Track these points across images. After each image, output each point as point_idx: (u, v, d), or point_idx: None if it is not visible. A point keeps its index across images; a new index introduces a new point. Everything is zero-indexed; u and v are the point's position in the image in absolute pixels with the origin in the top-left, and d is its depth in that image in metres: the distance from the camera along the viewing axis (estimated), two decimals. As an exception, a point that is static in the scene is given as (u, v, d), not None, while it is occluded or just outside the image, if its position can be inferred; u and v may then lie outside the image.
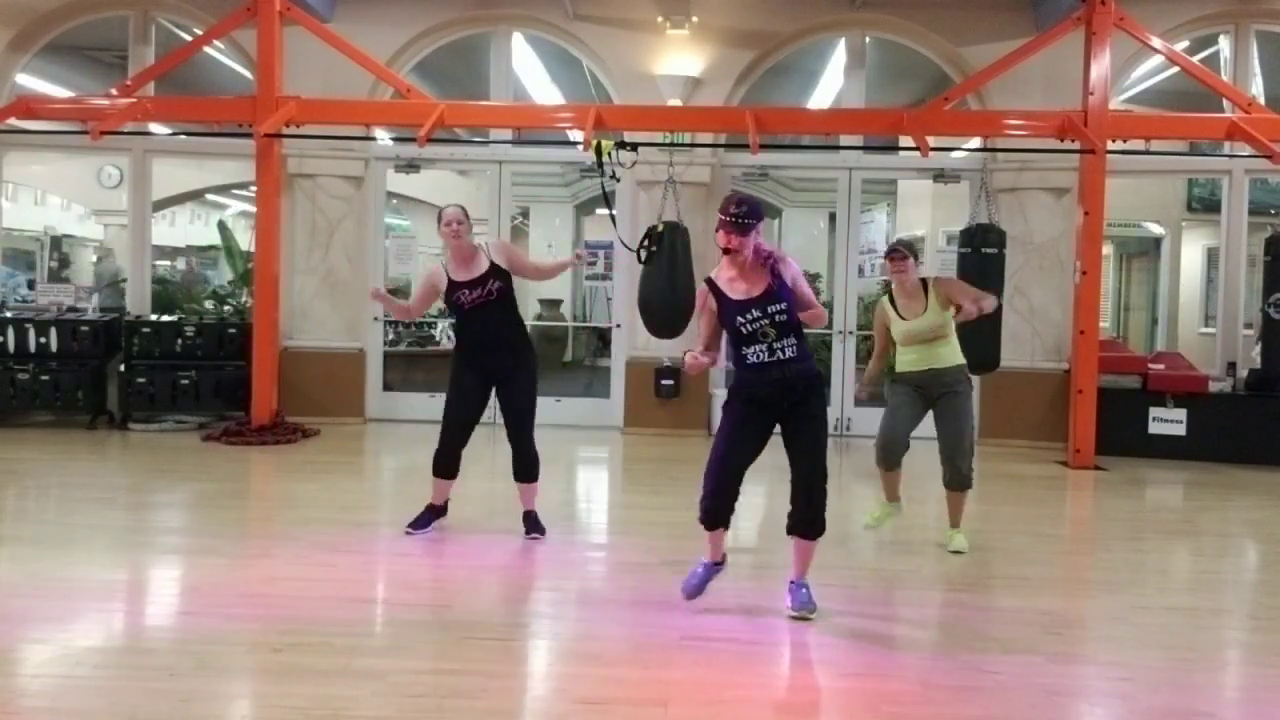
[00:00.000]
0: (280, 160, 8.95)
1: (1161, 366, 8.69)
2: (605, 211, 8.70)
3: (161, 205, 14.18)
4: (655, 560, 4.90)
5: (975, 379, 8.96)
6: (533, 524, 5.36)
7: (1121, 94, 9.15)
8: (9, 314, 9.22)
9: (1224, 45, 9.13)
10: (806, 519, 4.14)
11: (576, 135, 8.36)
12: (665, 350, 9.00)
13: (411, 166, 9.65)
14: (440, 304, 5.43)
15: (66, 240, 18.25)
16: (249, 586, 4.50)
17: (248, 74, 9.26)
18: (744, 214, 4.02)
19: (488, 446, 5.54)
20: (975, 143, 9.65)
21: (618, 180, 8.14)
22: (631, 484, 7.66)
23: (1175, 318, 12.71)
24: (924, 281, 5.23)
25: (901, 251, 5.21)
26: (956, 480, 5.21)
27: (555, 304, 15.93)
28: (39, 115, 8.86)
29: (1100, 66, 8.13)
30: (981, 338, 7.75)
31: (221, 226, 12.33)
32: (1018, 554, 5.43)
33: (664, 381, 9.19)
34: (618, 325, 9.69)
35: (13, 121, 8.84)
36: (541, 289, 15.74)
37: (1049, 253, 9.01)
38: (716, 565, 4.35)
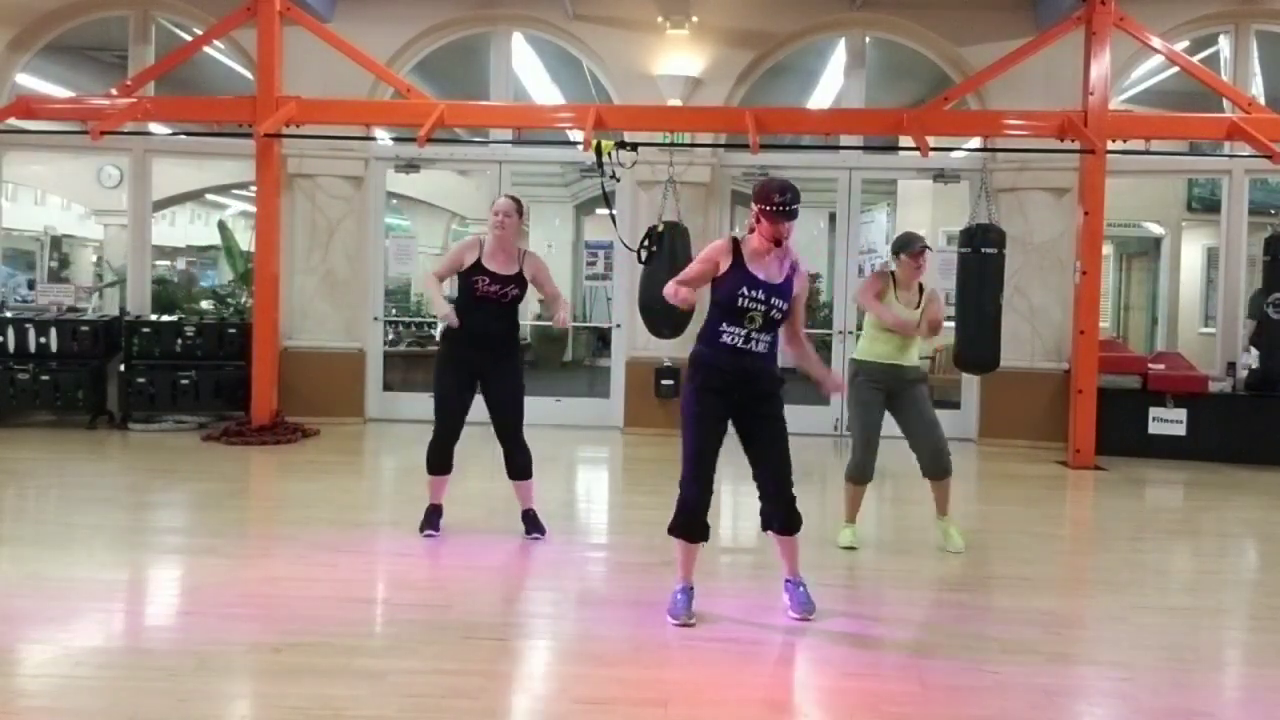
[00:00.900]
0: (280, 160, 8.95)
1: (1161, 366, 8.69)
2: (605, 211, 8.70)
3: (161, 205, 14.18)
4: (655, 560, 4.90)
5: (973, 380, 9.08)
6: (532, 523, 5.36)
7: (1121, 94, 9.15)
8: (9, 314, 9.23)
9: (1224, 45, 9.13)
10: (782, 514, 4.11)
11: (576, 135, 8.36)
12: (665, 350, 9.00)
13: (411, 166, 9.65)
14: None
15: (66, 240, 18.25)
16: (249, 586, 4.50)
17: (248, 74, 9.26)
18: (790, 200, 3.95)
19: (485, 446, 5.53)
20: (975, 143, 9.65)
21: (618, 180, 8.15)
22: (631, 484, 7.66)
23: (1175, 318, 12.71)
24: (920, 285, 5.29)
25: (928, 246, 5.27)
26: (939, 467, 5.20)
27: (555, 304, 15.91)
28: (39, 115, 8.87)
29: (1100, 66, 8.13)
30: (981, 338, 7.77)
31: (221, 226, 12.36)
32: (1018, 554, 5.43)
33: (664, 381, 9.18)
34: (618, 325, 9.69)
35: (13, 121, 8.85)
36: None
37: (1049, 253, 9.00)
38: (691, 589, 4.16)
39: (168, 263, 17.69)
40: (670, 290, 4.05)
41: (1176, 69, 8.70)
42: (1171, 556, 5.77)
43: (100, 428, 8.84)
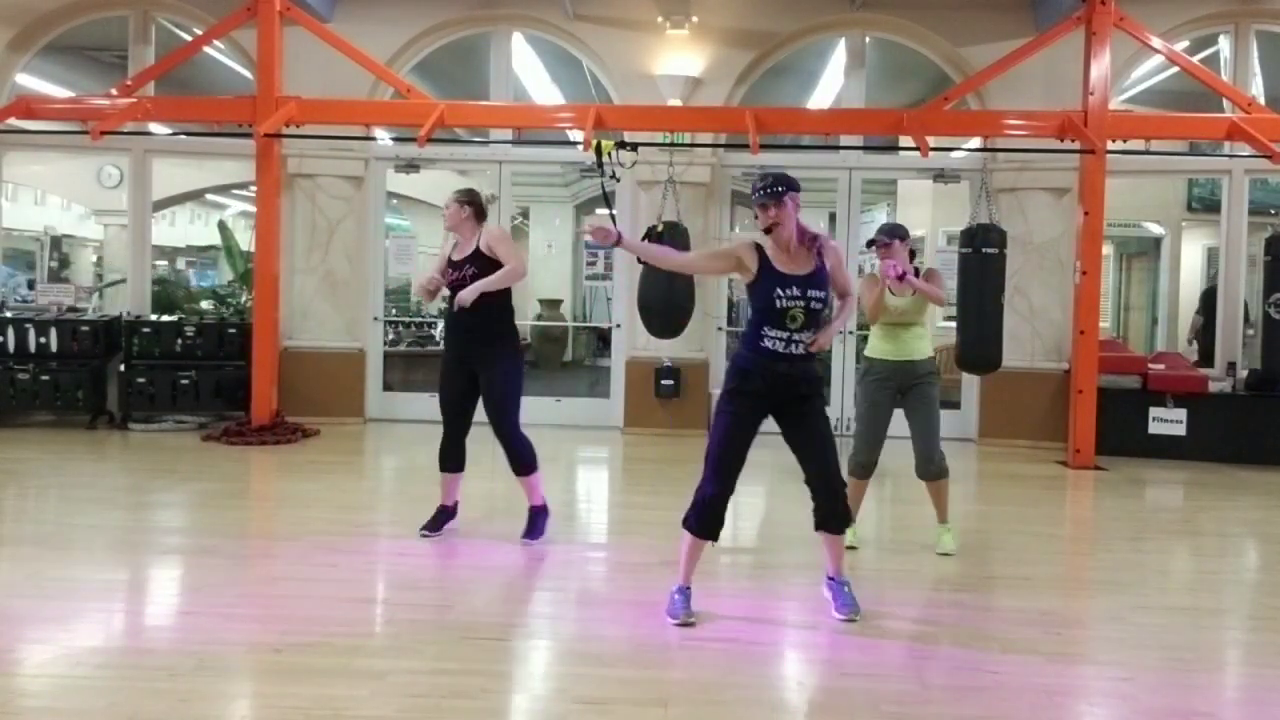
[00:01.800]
0: (280, 160, 8.95)
1: (1161, 366, 8.69)
2: (605, 211, 8.68)
3: (161, 205, 14.19)
4: (655, 560, 4.89)
5: (973, 380, 9.08)
6: (530, 524, 5.30)
7: (1121, 94, 9.16)
8: (9, 314, 9.23)
9: (1224, 45, 9.13)
10: (831, 512, 4.16)
11: (576, 135, 8.36)
12: (665, 350, 9.00)
13: (411, 166, 9.65)
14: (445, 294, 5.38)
15: (66, 240, 18.25)
16: (249, 586, 4.51)
17: (248, 74, 9.26)
18: (771, 183, 4.02)
19: (487, 446, 5.52)
20: (975, 143, 9.65)
21: (618, 180, 8.13)
22: (631, 484, 7.66)
23: (1175, 318, 12.71)
24: (916, 269, 5.27)
25: (890, 238, 5.21)
26: (931, 470, 5.20)
27: (555, 304, 15.95)
28: (39, 115, 8.87)
29: (1100, 66, 8.13)
30: (982, 338, 7.78)
31: (221, 226, 12.36)
32: (1018, 554, 5.43)
33: (664, 381, 9.19)
34: (618, 325, 9.69)
35: (13, 121, 8.84)
36: (542, 289, 15.76)
37: (1049, 253, 9.00)
38: (689, 589, 4.17)
39: (165, 263, 17.69)
40: (592, 226, 4.19)
41: (1176, 69, 8.70)
42: (1171, 556, 5.77)
43: (100, 428, 8.84)
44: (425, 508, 5.46)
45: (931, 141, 7.94)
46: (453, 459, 5.31)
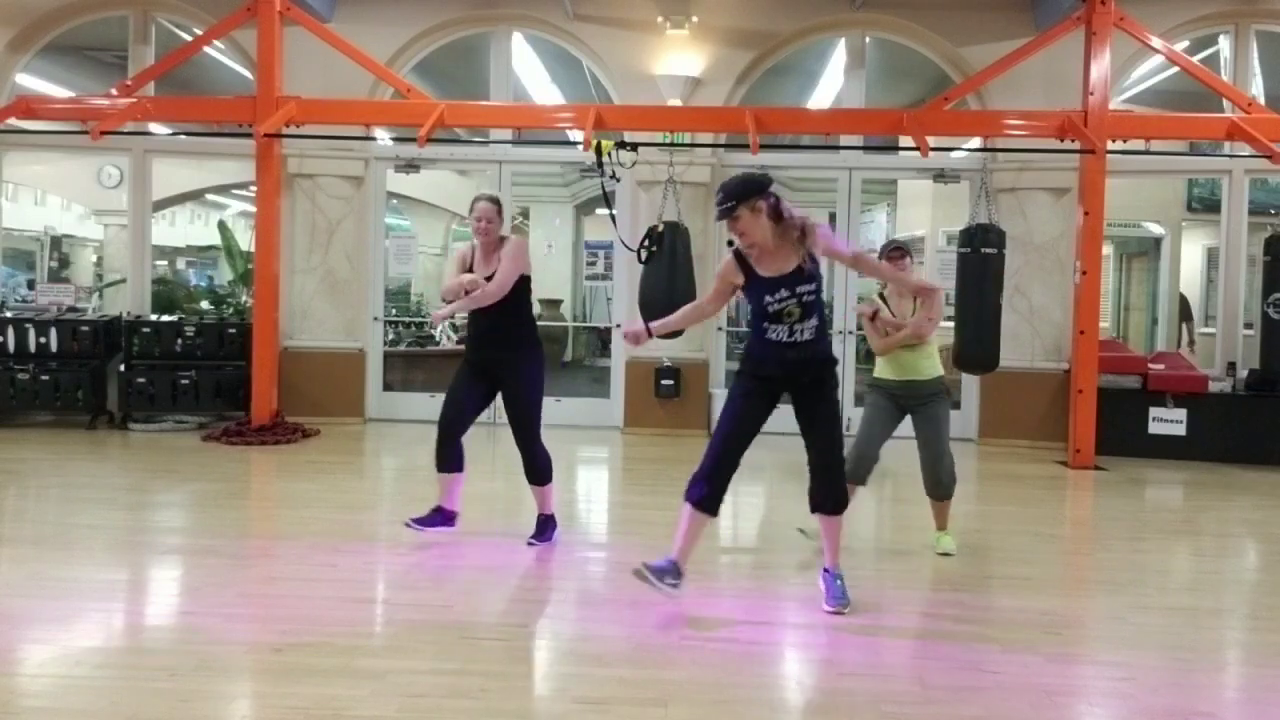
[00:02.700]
0: (280, 160, 8.96)
1: (1161, 366, 8.69)
2: (605, 211, 8.70)
3: (161, 205, 14.19)
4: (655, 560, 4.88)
5: (973, 380, 9.08)
6: (538, 529, 5.29)
7: (1121, 94, 9.15)
8: (9, 314, 9.22)
9: (1224, 45, 9.13)
10: (827, 494, 4.21)
11: (576, 135, 8.36)
12: (665, 350, 9.00)
13: (411, 166, 9.65)
14: None
15: (66, 240, 18.25)
16: (249, 586, 4.50)
17: (248, 74, 9.26)
18: (720, 201, 4.07)
19: (485, 447, 5.52)
20: (975, 143, 9.65)
21: (618, 180, 8.14)
22: (631, 484, 7.66)
23: (1175, 318, 12.71)
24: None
25: (902, 250, 5.20)
26: (939, 491, 5.21)
27: (555, 304, 15.94)
28: (39, 115, 8.86)
29: (1100, 66, 8.13)
30: (980, 338, 7.78)
31: (221, 226, 12.35)
32: (1018, 554, 5.43)
33: (664, 381, 9.19)
34: (618, 325, 9.69)
35: (13, 121, 8.84)
36: (542, 289, 15.74)
37: (1049, 253, 9.01)
38: (677, 564, 4.16)
39: (165, 263, 17.68)
40: (627, 330, 4.49)
41: (1176, 69, 8.70)
42: (1171, 556, 5.77)
43: (100, 428, 8.84)
44: (425, 508, 5.44)
45: (931, 141, 7.94)
46: (450, 459, 5.22)
